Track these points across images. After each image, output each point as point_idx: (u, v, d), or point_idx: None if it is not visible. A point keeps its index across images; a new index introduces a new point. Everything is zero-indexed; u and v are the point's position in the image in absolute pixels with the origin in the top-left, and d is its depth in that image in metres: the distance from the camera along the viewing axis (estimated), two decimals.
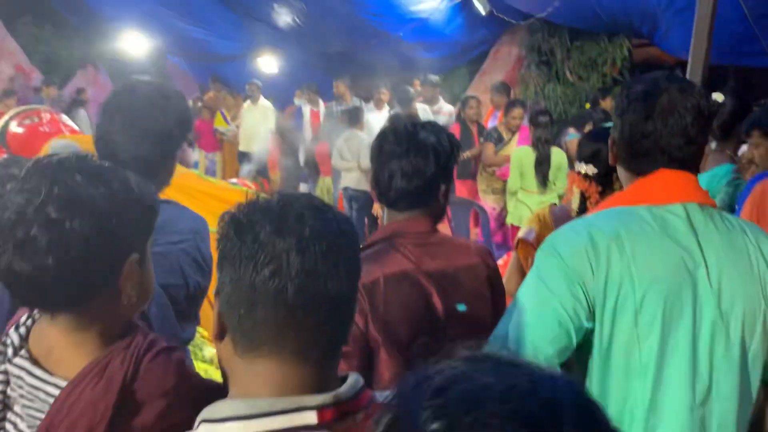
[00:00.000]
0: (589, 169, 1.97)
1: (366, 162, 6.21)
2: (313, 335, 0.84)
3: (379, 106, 7.30)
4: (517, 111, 5.39)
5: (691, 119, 1.25)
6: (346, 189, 6.43)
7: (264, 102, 8.67)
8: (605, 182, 1.95)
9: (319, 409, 0.81)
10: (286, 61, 9.73)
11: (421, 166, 1.46)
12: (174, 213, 1.52)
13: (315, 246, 0.83)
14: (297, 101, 8.55)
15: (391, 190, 1.49)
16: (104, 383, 0.96)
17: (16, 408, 1.01)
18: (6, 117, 7.30)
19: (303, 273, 0.81)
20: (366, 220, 6.81)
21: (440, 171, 1.49)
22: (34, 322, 1.04)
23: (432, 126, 1.54)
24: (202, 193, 4.41)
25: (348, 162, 6.36)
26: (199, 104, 9.60)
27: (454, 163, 1.54)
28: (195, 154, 9.84)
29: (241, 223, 0.85)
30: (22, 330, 1.03)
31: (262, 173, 8.51)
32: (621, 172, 1.40)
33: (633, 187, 1.33)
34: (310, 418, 0.80)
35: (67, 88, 11.17)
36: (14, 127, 7.11)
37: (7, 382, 1.01)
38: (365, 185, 6.25)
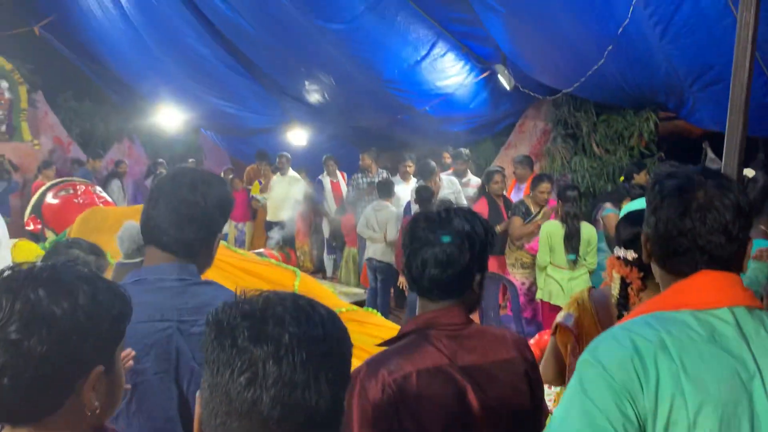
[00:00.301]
0: (629, 254, 1.91)
1: (392, 234, 6.21)
2: None
3: (405, 178, 7.35)
4: (544, 185, 5.36)
5: (731, 216, 1.19)
6: (370, 260, 6.41)
7: (292, 173, 8.82)
8: (647, 267, 1.88)
9: None
10: (315, 133, 9.94)
11: (455, 255, 1.42)
12: (215, 293, 1.54)
13: (293, 354, 0.80)
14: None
15: (423, 279, 1.45)
16: None
17: None
18: (43, 188, 7.56)
19: (279, 383, 0.78)
20: (392, 291, 6.76)
21: (475, 259, 1.45)
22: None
23: (465, 212, 1.51)
24: (229, 265, 4.42)
25: (374, 233, 6.36)
26: (231, 176, 9.81)
27: (490, 250, 1.51)
28: (225, 224, 9.96)
29: (222, 326, 0.84)
30: None
31: (288, 243, 8.56)
32: (657, 271, 1.33)
33: (673, 290, 1.25)
34: None
35: (104, 160, 11.53)
36: (50, 199, 7.34)
37: None
38: (390, 257, 6.22)
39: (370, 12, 6.40)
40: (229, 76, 8.75)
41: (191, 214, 1.54)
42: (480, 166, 7.83)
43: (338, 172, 8.48)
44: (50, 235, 6.99)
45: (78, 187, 7.39)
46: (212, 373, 0.82)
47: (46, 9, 9.26)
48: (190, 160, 11.09)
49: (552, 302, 4.90)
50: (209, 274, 4.45)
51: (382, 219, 6.30)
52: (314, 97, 8.43)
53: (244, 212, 9.48)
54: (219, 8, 7.30)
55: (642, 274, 1.88)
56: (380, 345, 1.53)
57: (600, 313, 2.05)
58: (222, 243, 4.64)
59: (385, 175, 7.59)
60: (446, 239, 1.42)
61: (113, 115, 11.75)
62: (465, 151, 7.25)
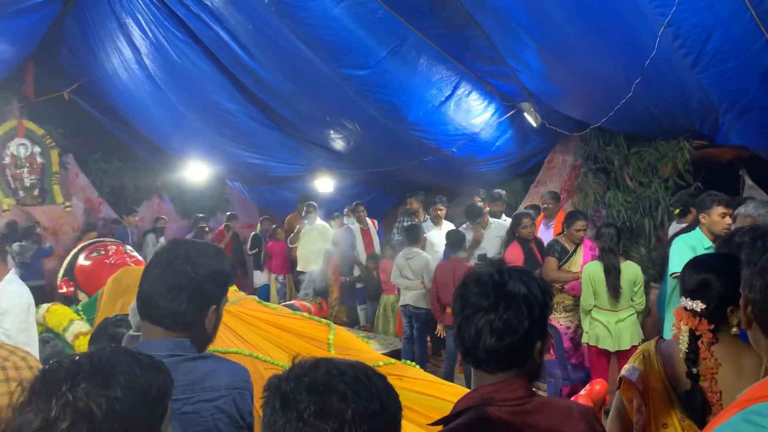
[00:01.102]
0: (697, 305, 1.75)
1: (429, 280, 6.06)
2: None
3: (437, 222, 7.22)
4: (580, 222, 5.17)
5: None
6: (405, 306, 6.26)
7: (320, 222, 8.76)
8: (717, 317, 1.72)
9: None
10: (342, 180, 9.93)
11: (513, 322, 1.29)
12: (210, 368, 1.54)
13: (356, 428, 0.88)
14: (346, 220, 8.60)
15: (478, 349, 1.31)
16: None
17: None
18: (75, 250, 7.60)
19: None
20: (428, 340, 6.57)
21: (534, 326, 1.31)
22: None
23: (520, 273, 1.37)
24: (261, 321, 4.33)
25: (409, 280, 6.22)
26: (274, 225, 9.81)
27: (549, 314, 1.37)
28: (264, 276, 9.94)
29: (286, 397, 0.91)
30: None
31: (320, 293, 8.44)
32: (760, 341, 1.18)
33: None
34: None
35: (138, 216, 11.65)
36: (82, 260, 7.35)
37: None
38: (425, 303, 6.07)
39: (393, 56, 6.41)
40: (255, 128, 8.82)
41: (180, 284, 1.53)
42: (510, 205, 7.69)
43: (368, 219, 8.39)
44: (83, 297, 6.99)
45: (109, 247, 7.42)
46: None
47: (75, 74, 9.49)
48: (228, 213, 11.13)
49: (600, 346, 4.69)
50: (243, 331, 4.31)
51: (416, 266, 6.16)
52: (339, 143, 8.43)
53: (283, 264, 9.43)
54: (242, 61, 7.38)
55: (713, 325, 1.72)
56: (433, 424, 1.40)
57: (668, 368, 1.88)
58: (253, 298, 4.57)
59: (415, 221, 7.47)
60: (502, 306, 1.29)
61: (142, 172, 11.93)
62: (501, 191, 7.10)
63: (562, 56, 5.75)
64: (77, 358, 1.04)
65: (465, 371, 5.74)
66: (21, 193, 10.00)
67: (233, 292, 4.95)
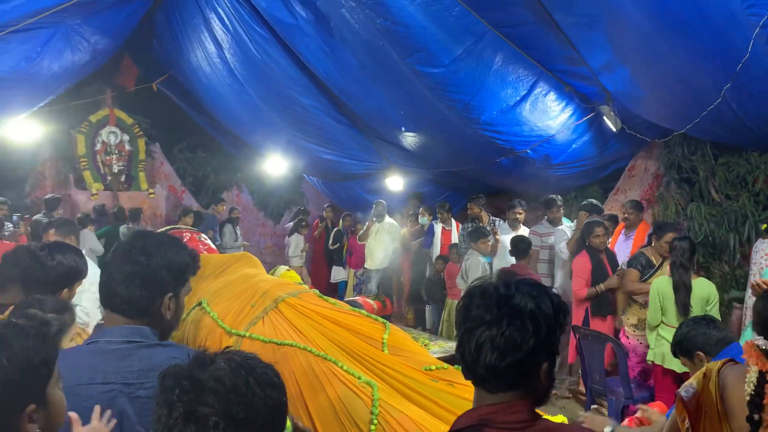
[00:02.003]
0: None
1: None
2: None
3: (514, 226, 6.98)
4: (671, 235, 4.85)
5: None
6: None
7: (390, 220, 8.74)
8: None
9: None
10: (412, 179, 9.87)
11: (516, 339, 1.19)
12: (169, 356, 1.57)
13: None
14: (421, 219, 8.48)
15: (478, 366, 1.22)
16: None
17: None
18: None
19: None
20: None
21: (541, 345, 1.20)
22: None
23: (531, 287, 1.26)
24: (319, 315, 4.32)
25: (465, 283, 6.10)
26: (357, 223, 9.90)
27: (561, 333, 1.25)
28: (343, 272, 10.03)
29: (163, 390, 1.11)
30: None
31: (385, 292, 8.43)
32: None
33: None
34: None
35: (211, 208, 12.05)
36: None
37: None
38: None
39: (468, 55, 6.27)
40: (328, 123, 8.89)
41: (134, 272, 1.61)
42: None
43: (453, 221, 8.17)
44: None
45: (184, 234, 7.67)
46: None
47: (164, 66, 9.90)
48: (299, 207, 11.35)
49: (665, 365, 4.41)
50: (299, 324, 4.32)
51: (473, 270, 6.04)
52: (411, 141, 8.35)
53: (363, 259, 9.46)
54: (320, 59, 7.46)
55: None
56: None
57: (725, 395, 1.70)
58: (314, 292, 4.58)
59: (498, 223, 7.29)
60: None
61: (224, 164, 12.32)
62: (556, 197, 6.86)
63: (645, 58, 5.44)
64: None
65: None
66: (109, 178, 10.55)
67: (295, 284, 4.99)
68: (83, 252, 3.08)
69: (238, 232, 10.54)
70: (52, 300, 2.34)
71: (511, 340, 1.19)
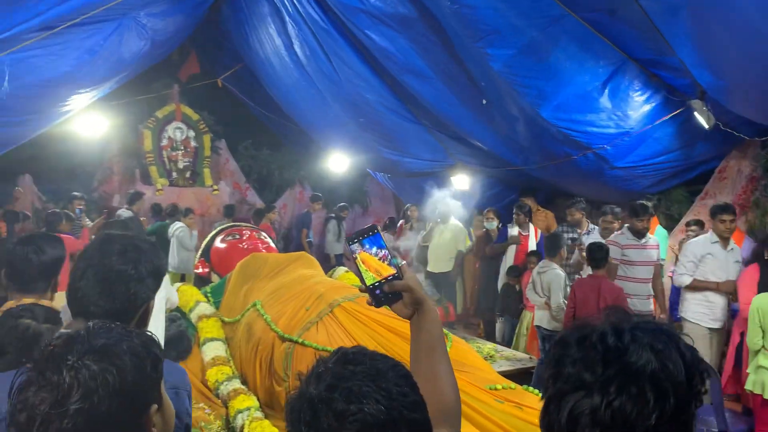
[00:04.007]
0: None
1: (557, 299, 5.40)
2: None
3: (606, 236, 6.04)
4: None
5: None
6: (538, 327, 5.64)
7: (454, 221, 8.32)
8: None
9: None
10: (479, 178, 9.43)
11: (630, 414, 0.80)
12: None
13: None
14: (487, 224, 7.83)
15: None
16: None
17: None
18: (213, 232, 7.81)
19: None
20: None
21: (666, 423, 0.80)
22: None
23: (654, 334, 0.85)
24: (372, 321, 4.06)
25: (539, 297, 5.61)
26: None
27: (696, 407, 0.85)
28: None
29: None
30: None
31: (449, 297, 8.03)
32: None
33: None
34: None
35: (277, 204, 11.98)
36: (218, 243, 7.53)
37: None
38: (557, 325, 5.43)
39: (543, 38, 5.80)
40: (392, 120, 8.59)
41: (122, 283, 1.52)
42: (672, 217, 6.75)
43: (531, 226, 7.36)
44: (215, 279, 7.16)
45: (244, 232, 7.55)
46: None
47: (229, 61, 9.84)
48: (340, 204, 11.06)
49: (765, 396, 3.85)
50: (352, 329, 4.03)
51: (545, 282, 5.54)
52: (480, 136, 7.88)
53: None
54: (389, 52, 7.17)
55: None
56: None
57: None
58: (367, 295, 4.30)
59: (596, 231, 6.44)
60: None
61: (288, 162, 12.23)
62: (647, 203, 5.94)
63: (741, 47, 4.84)
64: (75, 333, 1.10)
65: None
66: (174, 174, 10.60)
67: (352, 287, 4.71)
68: None
69: (343, 230, 10.37)
70: (42, 309, 2.16)
71: (623, 415, 0.80)
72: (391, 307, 1.34)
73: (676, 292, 5.87)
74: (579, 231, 6.48)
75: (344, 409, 0.89)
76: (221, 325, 4.94)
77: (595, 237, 6.15)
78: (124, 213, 8.04)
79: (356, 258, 1.33)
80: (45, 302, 2.24)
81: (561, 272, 5.55)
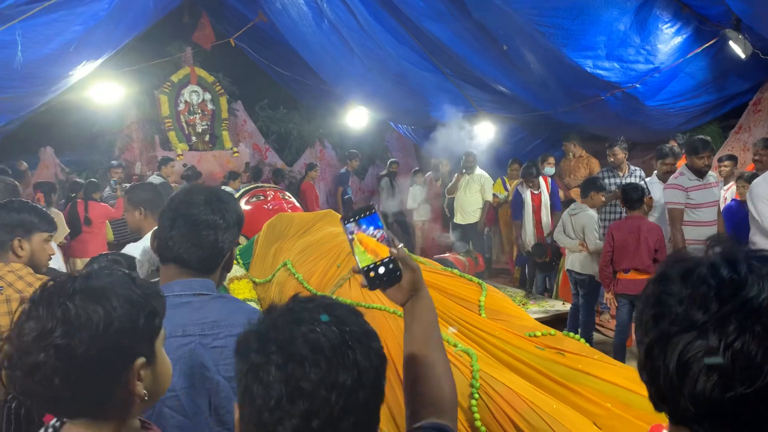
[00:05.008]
0: None
1: (592, 241, 5.28)
2: None
3: (665, 179, 5.56)
4: None
5: None
6: (570, 272, 5.54)
7: (480, 171, 8.16)
8: None
9: None
10: (502, 127, 9.21)
11: (755, 356, 0.69)
12: (230, 307, 1.62)
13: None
14: (546, 169, 7.16)
15: (681, 396, 0.73)
16: None
17: None
18: (237, 195, 7.78)
19: None
20: (597, 308, 5.82)
21: None
22: (62, 423, 1.11)
23: None
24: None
25: (571, 240, 5.50)
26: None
27: None
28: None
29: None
30: (50, 431, 1.11)
31: (477, 248, 7.93)
32: None
33: None
34: None
35: (297, 164, 11.88)
36: (243, 205, 7.49)
37: None
38: (591, 268, 5.32)
39: None
40: (412, 70, 8.37)
41: (211, 232, 1.59)
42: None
43: (540, 180, 6.86)
44: (242, 241, 7.14)
45: (268, 192, 7.48)
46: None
47: (241, 20, 9.62)
48: (390, 160, 10.82)
49: None
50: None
51: (578, 224, 5.41)
52: (503, 85, 7.63)
53: None
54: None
55: None
56: None
57: None
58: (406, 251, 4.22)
59: (638, 174, 6.04)
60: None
61: (306, 120, 12.07)
62: (706, 138, 5.32)
63: None
64: (74, 275, 1.10)
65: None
66: (194, 138, 10.51)
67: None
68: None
69: (396, 187, 10.10)
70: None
71: (746, 358, 0.69)
72: (386, 291, 1.27)
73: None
74: (620, 174, 6.07)
75: (296, 330, 0.93)
76: (253, 286, 4.91)
77: (638, 180, 5.88)
78: (155, 179, 7.99)
79: (353, 238, 1.26)
80: None
81: (593, 213, 5.42)
